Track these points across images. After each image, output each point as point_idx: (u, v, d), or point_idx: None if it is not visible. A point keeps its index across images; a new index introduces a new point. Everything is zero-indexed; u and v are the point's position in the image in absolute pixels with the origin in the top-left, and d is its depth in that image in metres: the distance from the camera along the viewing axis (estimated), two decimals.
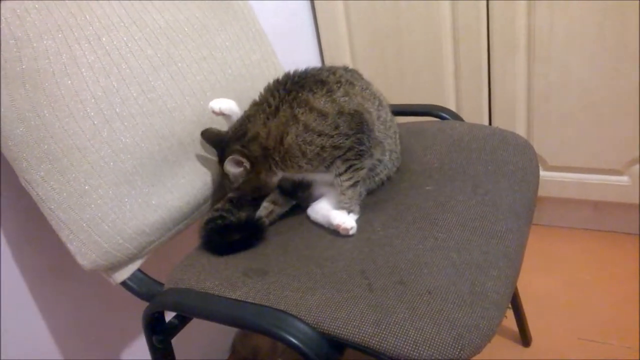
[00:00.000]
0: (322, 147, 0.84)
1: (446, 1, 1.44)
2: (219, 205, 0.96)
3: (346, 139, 0.85)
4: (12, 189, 0.88)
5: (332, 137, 0.84)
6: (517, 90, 1.47)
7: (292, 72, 0.93)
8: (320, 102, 0.85)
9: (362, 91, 0.92)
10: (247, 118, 0.90)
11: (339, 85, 0.88)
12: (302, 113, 0.84)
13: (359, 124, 0.86)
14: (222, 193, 1.01)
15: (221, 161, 0.90)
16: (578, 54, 1.35)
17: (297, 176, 0.92)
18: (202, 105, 0.96)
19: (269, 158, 0.88)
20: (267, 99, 0.90)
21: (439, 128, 1.09)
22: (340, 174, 0.87)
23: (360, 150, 0.86)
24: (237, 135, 0.89)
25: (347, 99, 0.87)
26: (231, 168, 0.88)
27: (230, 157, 0.87)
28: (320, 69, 0.92)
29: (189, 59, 0.95)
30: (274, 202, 0.94)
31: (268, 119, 0.87)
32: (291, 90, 0.87)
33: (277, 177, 0.91)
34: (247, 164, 0.88)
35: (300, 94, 0.86)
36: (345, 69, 0.95)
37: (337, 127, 0.84)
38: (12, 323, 0.92)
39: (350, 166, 0.86)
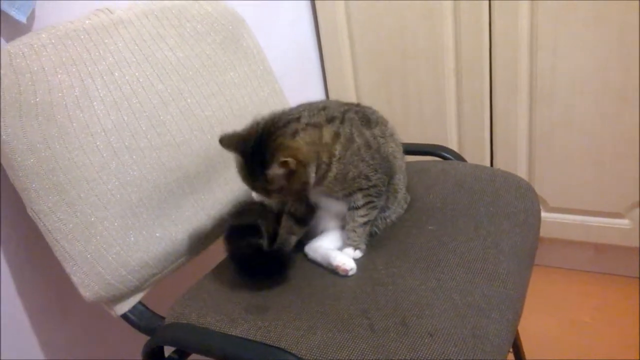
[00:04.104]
0: (360, 173, 0.86)
1: (450, 42, 1.47)
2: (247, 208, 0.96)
3: (374, 174, 0.87)
4: (17, 217, 0.88)
5: (369, 166, 0.86)
6: (519, 131, 1.48)
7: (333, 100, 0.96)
8: (366, 132, 0.88)
9: (392, 135, 0.95)
10: (289, 111, 0.87)
11: (377, 124, 0.92)
12: (357, 136, 0.87)
13: (387, 167, 0.90)
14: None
15: (249, 163, 0.81)
16: (580, 96, 1.37)
17: (311, 200, 0.92)
18: (210, 140, 0.97)
19: (326, 161, 0.84)
20: (322, 106, 0.89)
21: (442, 168, 1.10)
22: (357, 208, 0.88)
23: (381, 190, 0.89)
24: (281, 124, 0.82)
25: (383, 140, 0.91)
26: (277, 171, 0.79)
27: (280, 160, 0.78)
28: (359, 105, 0.96)
29: (198, 95, 0.97)
30: (291, 232, 0.94)
31: (332, 120, 0.86)
32: (348, 110, 0.90)
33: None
34: (293, 165, 0.79)
35: (354, 118, 0.89)
36: (378, 112, 0.98)
37: (373, 159, 0.87)
38: (11, 351, 0.91)
39: (369, 202, 0.88)
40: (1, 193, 0.87)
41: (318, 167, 0.83)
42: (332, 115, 0.87)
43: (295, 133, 0.82)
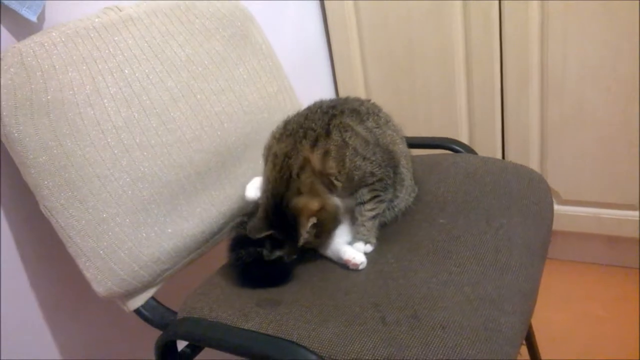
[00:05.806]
0: (364, 172, 0.85)
1: (459, 35, 1.46)
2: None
3: (379, 169, 0.86)
4: (30, 214, 0.89)
5: (372, 162, 0.85)
6: (530, 123, 1.47)
7: (319, 101, 0.94)
8: (359, 128, 0.87)
9: (387, 123, 0.93)
10: (282, 157, 0.85)
11: (368, 115, 0.90)
12: (350, 137, 0.85)
13: (390, 158, 0.88)
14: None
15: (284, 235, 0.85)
16: (592, 87, 1.36)
17: None
18: (220, 136, 0.97)
19: (327, 182, 0.84)
20: (305, 126, 0.87)
21: (453, 161, 1.10)
22: (364, 203, 0.88)
23: (387, 184, 0.88)
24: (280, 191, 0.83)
25: (380, 131, 0.89)
26: (309, 231, 0.82)
27: (306, 226, 0.81)
28: (347, 99, 0.94)
29: (208, 91, 0.98)
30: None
31: (317, 142, 0.84)
32: (335, 114, 0.87)
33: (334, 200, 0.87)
34: (313, 220, 0.81)
35: (343, 120, 0.87)
36: (368, 100, 0.97)
37: (374, 154, 0.86)
38: (25, 348, 0.92)
39: (375, 196, 0.88)
40: (14, 190, 0.88)
41: (329, 190, 0.85)
42: (315, 136, 0.84)
43: (298, 191, 0.82)
